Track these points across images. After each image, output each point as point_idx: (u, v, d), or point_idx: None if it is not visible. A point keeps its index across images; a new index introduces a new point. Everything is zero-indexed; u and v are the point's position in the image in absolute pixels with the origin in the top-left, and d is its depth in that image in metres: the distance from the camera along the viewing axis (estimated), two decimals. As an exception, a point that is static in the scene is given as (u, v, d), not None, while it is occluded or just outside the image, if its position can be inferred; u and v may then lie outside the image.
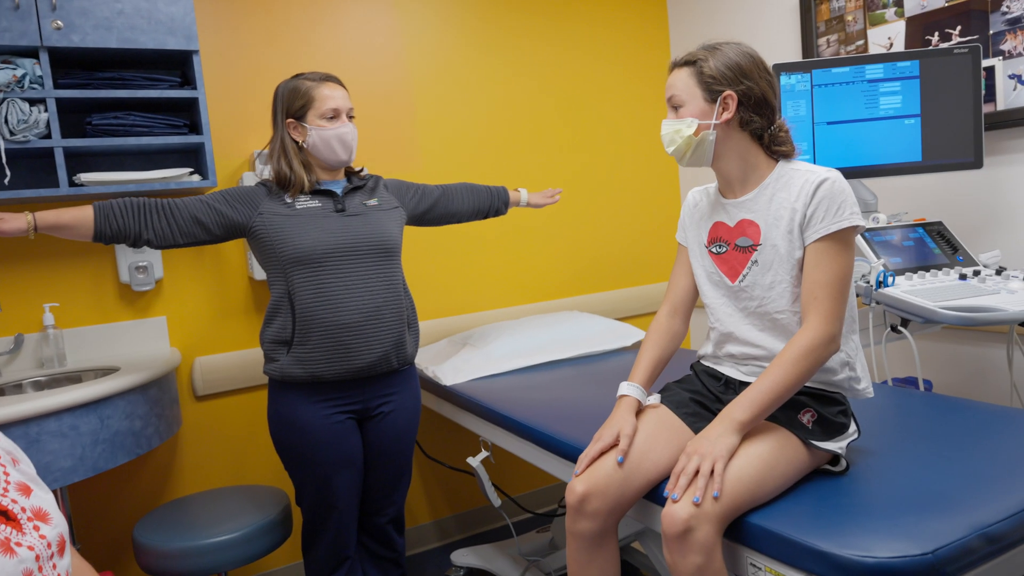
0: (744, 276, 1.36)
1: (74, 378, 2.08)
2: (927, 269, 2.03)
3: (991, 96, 2.18)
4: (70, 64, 2.08)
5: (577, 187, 3.11)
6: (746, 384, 1.38)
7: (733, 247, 1.39)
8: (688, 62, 1.35)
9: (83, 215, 1.62)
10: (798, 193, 1.29)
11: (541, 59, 3.01)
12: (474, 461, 2.10)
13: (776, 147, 1.36)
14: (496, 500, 2.11)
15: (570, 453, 1.63)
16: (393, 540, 1.99)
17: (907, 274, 1.99)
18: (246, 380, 2.45)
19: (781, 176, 1.34)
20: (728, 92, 1.31)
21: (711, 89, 1.32)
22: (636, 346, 2.61)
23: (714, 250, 1.42)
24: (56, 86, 1.97)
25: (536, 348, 2.44)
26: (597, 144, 3.14)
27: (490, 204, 2.23)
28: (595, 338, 2.56)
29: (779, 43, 2.84)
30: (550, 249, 3.07)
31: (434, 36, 2.77)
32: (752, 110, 1.33)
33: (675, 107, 1.37)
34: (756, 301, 1.36)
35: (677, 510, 1.14)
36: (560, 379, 2.24)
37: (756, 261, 1.35)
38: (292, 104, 1.78)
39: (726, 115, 1.32)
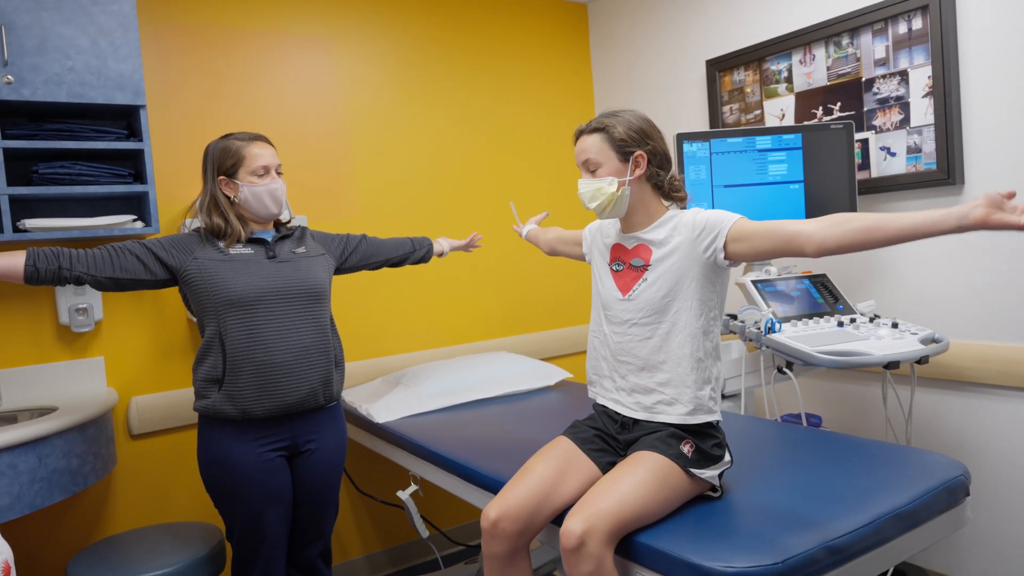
0: (634, 291, 1.57)
1: (9, 418, 2.12)
2: (811, 317, 2.29)
3: (866, 164, 2.49)
4: (17, 114, 2.16)
5: (506, 233, 3.31)
6: (637, 421, 1.58)
7: (628, 266, 1.60)
8: (597, 128, 1.57)
9: (14, 262, 1.67)
10: (689, 225, 1.52)
11: (475, 111, 3.23)
12: (403, 494, 2.23)
13: (674, 193, 1.60)
14: (424, 531, 2.23)
15: (491, 485, 1.78)
16: (321, 572, 2.08)
17: (793, 321, 2.25)
18: (181, 419, 2.52)
19: (673, 216, 1.58)
20: (639, 152, 1.54)
21: (623, 151, 1.54)
22: (560, 385, 2.79)
23: (614, 267, 1.64)
24: (4, 136, 2.06)
25: (465, 387, 2.60)
26: (525, 192, 3.36)
27: (412, 250, 2.36)
28: (521, 377, 2.73)
29: (689, 108, 3.13)
30: (481, 292, 3.25)
31: (372, 88, 2.96)
32: (657, 165, 1.57)
33: (591, 169, 1.58)
34: (641, 313, 1.55)
35: (573, 527, 1.32)
36: (487, 416, 2.39)
37: (646, 279, 1.56)
38: (223, 162, 1.91)
39: (639, 171, 1.55)
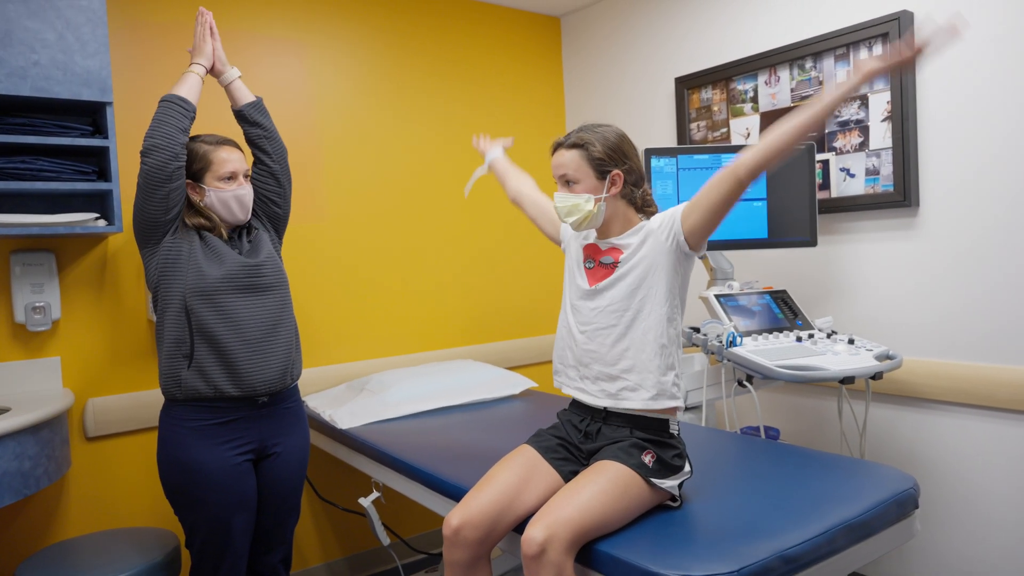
0: (601, 284, 1.62)
1: (-41, 417, 2.07)
2: (771, 331, 2.35)
3: (826, 184, 2.56)
4: (-23, 106, 2.12)
5: (473, 242, 3.33)
6: (600, 429, 1.61)
7: (598, 264, 1.65)
8: (576, 145, 1.60)
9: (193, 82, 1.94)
10: (653, 226, 1.60)
11: (445, 120, 3.24)
12: (365, 501, 2.22)
13: (646, 208, 1.66)
14: (385, 539, 2.22)
15: (454, 493, 1.79)
16: (282, 578, 2.07)
17: (754, 335, 2.30)
18: (139, 421, 2.48)
19: (644, 226, 1.63)
20: (616, 171, 1.58)
21: (600, 169, 1.58)
22: (524, 394, 2.81)
23: (586, 264, 1.69)
24: (-37, 129, 2.01)
25: (430, 394, 2.60)
26: (493, 201, 3.38)
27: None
28: (486, 386, 2.74)
29: (658, 124, 3.19)
30: (446, 300, 3.25)
31: (343, 93, 2.96)
32: (632, 183, 1.61)
33: (568, 182, 1.61)
34: (606, 301, 1.60)
35: (534, 534, 1.33)
36: (451, 424, 2.40)
37: (615, 275, 1.60)
38: (190, 166, 1.89)
39: (614, 189, 1.59)
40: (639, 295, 1.57)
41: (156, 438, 2.33)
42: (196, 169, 1.89)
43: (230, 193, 1.91)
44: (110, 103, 2.18)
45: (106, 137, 2.19)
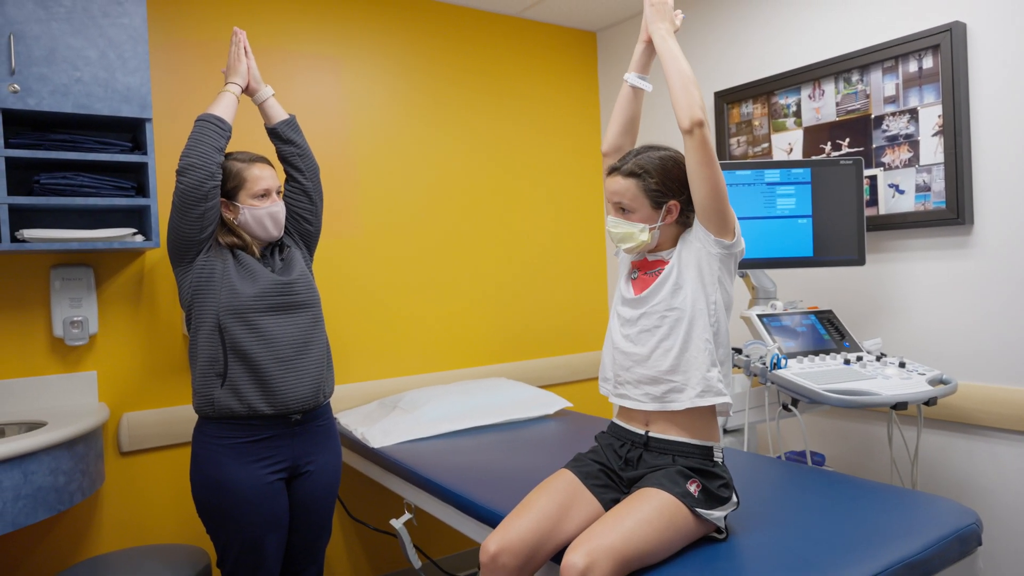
0: (646, 292, 1.57)
1: (-3, 431, 2.08)
2: (817, 353, 2.26)
3: (874, 201, 2.47)
4: (21, 123, 2.14)
5: (509, 257, 3.29)
6: (641, 456, 1.55)
7: (643, 275, 1.62)
8: (633, 173, 1.55)
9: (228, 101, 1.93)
10: (693, 240, 1.55)
11: (481, 135, 3.22)
12: (397, 523, 2.18)
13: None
14: (417, 562, 2.17)
15: (488, 518, 1.74)
16: (313, 599, 2.03)
17: (799, 357, 2.21)
18: (172, 437, 2.47)
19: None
20: (672, 202, 1.54)
21: (657, 200, 1.54)
22: (559, 414, 2.75)
23: (632, 276, 1.65)
24: (7, 145, 2.03)
25: (463, 414, 2.55)
26: (530, 216, 3.34)
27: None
28: (520, 405, 2.69)
29: (697, 139, 3.12)
30: (481, 316, 3.21)
31: (379, 108, 2.95)
32: (689, 211, 1.56)
33: (623, 209, 1.57)
34: (648, 306, 1.55)
35: (575, 560, 1.27)
36: (484, 444, 2.35)
37: (658, 281, 1.56)
38: (224, 184, 1.89)
39: (670, 218, 1.55)
40: (682, 294, 1.53)
41: (189, 454, 2.34)
42: (230, 187, 1.89)
43: (264, 211, 1.90)
44: (149, 119, 2.19)
45: (145, 153, 2.20)
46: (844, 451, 2.64)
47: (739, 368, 2.24)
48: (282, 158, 2.06)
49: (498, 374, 3.21)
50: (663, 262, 1.59)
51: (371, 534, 2.88)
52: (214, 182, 1.81)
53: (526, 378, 3.25)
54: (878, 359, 2.24)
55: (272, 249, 1.99)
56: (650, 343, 1.55)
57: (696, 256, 1.53)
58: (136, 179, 2.29)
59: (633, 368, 1.58)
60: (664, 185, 1.53)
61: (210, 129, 1.84)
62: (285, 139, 2.04)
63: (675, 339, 1.52)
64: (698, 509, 1.41)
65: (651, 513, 1.36)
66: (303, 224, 2.07)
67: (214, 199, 1.83)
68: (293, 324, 1.87)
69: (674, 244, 1.59)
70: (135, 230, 2.24)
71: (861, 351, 2.31)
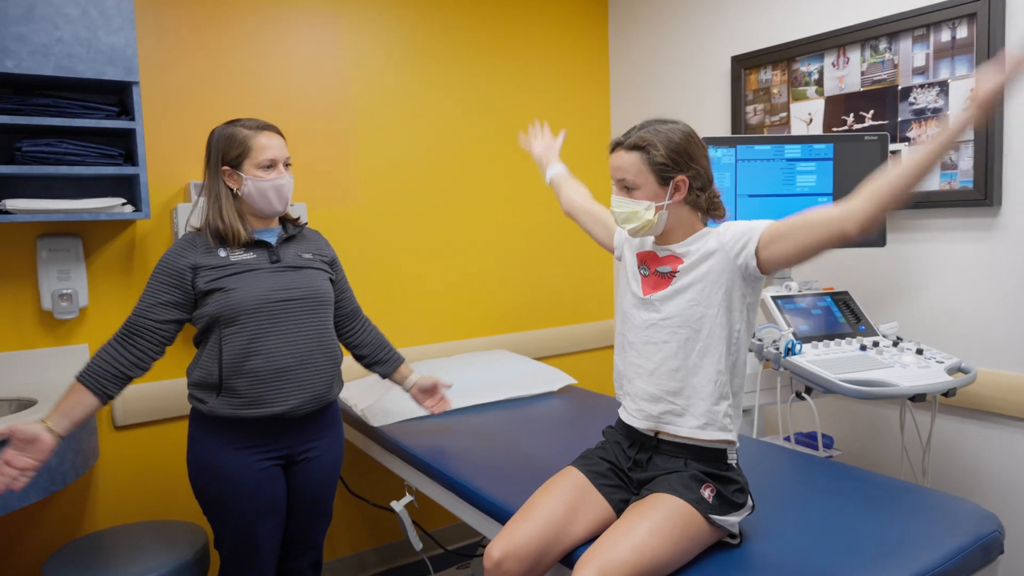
0: (656, 295, 1.47)
1: (-14, 409, 2.02)
2: (832, 338, 2.18)
3: (896, 178, 2.36)
4: (0, 86, 2.02)
5: (512, 226, 3.19)
6: (650, 457, 1.49)
7: (654, 272, 1.50)
8: (637, 146, 1.43)
9: (86, 401, 1.69)
10: (721, 235, 1.43)
11: (484, 97, 3.08)
12: (398, 506, 2.13)
13: (713, 211, 1.49)
14: (418, 544, 2.14)
15: (492, 511, 1.68)
16: (311, 583, 2.00)
17: (813, 342, 2.14)
18: (169, 410, 2.41)
19: (708, 232, 1.47)
20: (680, 177, 1.42)
21: (663, 175, 1.42)
22: (564, 390, 2.69)
23: (641, 271, 1.54)
24: (-14, 110, 1.93)
25: (466, 391, 2.49)
26: (534, 182, 3.23)
27: (376, 356, 2.15)
28: (524, 381, 2.63)
29: (710, 106, 3.00)
30: (484, 285, 3.13)
31: (379, 68, 2.81)
32: (699, 188, 1.45)
33: (627, 187, 1.46)
34: (660, 316, 1.46)
35: (586, 572, 1.21)
36: (488, 423, 2.29)
37: (672, 286, 1.46)
38: (228, 152, 1.75)
39: (678, 196, 1.44)
40: (698, 312, 1.42)
41: (186, 428, 2.29)
42: (234, 156, 1.75)
43: (269, 183, 1.77)
44: (136, 82, 2.07)
45: (132, 118, 2.09)
46: (854, 433, 2.59)
47: (750, 350, 2.17)
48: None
49: (501, 345, 3.14)
50: (676, 259, 1.48)
51: (371, 508, 2.85)
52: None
53: (530, 349, 3.19)
54: (895, 344, 2.17)
55: (288, 239, 1.87)
56: (655, 358, 1.47)
57: (722, 277, 1.41)
58: (124, 146, 2.18)
59: (634, 380, 1.51)
60: (670, 159, 1.41)
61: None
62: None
63: (683, 360, 1.44)
64: (713, 516, 1.36)
65: (664, 523, 1.30)
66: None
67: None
68: (296, 332, 1.77)
69: (686, 235, 1.48)
70: (124, 200, 2.13)
71: (877, 335, 2.24)
